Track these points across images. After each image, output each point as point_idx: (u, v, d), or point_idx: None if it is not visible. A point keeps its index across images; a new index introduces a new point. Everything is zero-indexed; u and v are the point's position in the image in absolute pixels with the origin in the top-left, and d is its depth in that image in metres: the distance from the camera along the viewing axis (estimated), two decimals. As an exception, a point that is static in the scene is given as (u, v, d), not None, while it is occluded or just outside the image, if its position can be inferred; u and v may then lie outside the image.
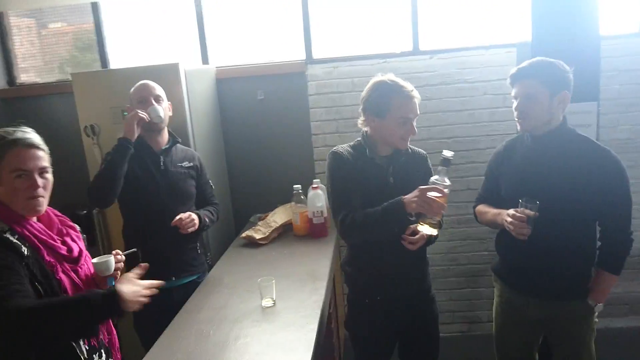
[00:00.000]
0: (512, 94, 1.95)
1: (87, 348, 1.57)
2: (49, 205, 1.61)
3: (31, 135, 1.54)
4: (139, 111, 2.21)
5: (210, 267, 2.60)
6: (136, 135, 2.23)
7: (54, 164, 1.60)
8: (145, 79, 2.37)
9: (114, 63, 3.55)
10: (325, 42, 3.40)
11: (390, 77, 1.94)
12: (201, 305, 2.16)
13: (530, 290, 2.01)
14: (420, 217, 1.86)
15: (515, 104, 1.93)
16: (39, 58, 3.70)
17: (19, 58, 3.66)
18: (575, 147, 1.90)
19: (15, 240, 1.46)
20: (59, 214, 1.69)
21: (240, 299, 2.18)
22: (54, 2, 3.48)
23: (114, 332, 1.74)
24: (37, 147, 1.53)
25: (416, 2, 3.25)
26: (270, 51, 3.47)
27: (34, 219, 1.57)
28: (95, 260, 1.66)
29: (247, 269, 2.52)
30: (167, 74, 2.69)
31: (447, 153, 1.82)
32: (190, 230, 2.28)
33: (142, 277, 1.67)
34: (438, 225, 1.86)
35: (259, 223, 3.01)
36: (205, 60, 3.45)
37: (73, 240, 1.66)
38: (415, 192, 1.79)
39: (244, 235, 2.91)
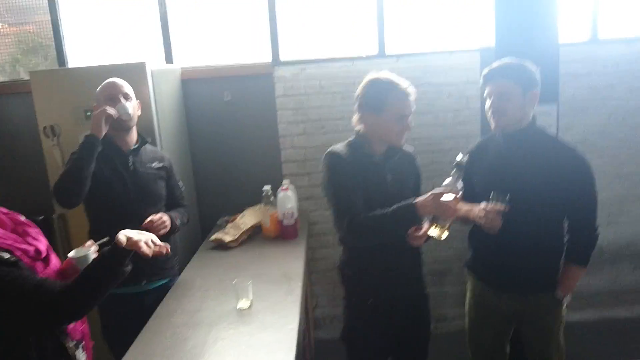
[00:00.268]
0: (485, 92, 2.01)
1: (74, 342, 1.59)
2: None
3: None
4: (107, 107, 2.14)
5: (180, 271, 2.54)
6: (104, 132, 2.13)
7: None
8: (111, 78, 2.30)
9: (72, 62, 3.43)
10: (293, 45, 3.40)
11: (385, 74, 1.93)
12: (174, 309, 2.10)
13: (502, 284, 2.07)
14: (432, 220, 1.86)
15: (488, 102, 2.00)
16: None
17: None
18: (544, 145, 1.98)
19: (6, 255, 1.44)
20: (5, 210, 1.61)
21: (215, 301, 2.14)
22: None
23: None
24: None
25: (382, 6, 3.30)
26: (237, 53, 3.44)
27: None
28: (73, 254, 1.61)
29: (218, 271, 2.47)
30: (133, 74, 2.61)
31: (460, 157, 1.85)
32: (162, 232, 2.22)
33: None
34: (448, 228, 1.87)
35: (228, 225, 2.97)
36: (169, 61, 3.38)
37: (35, 238, 1.59)
38: (429, 196, 1.78)
39: (212, 238, 2.86)
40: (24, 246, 1.52)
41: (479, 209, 1.93)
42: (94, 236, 2.29)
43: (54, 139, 2.72)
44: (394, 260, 1.99)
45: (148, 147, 2.39)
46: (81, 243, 2.34)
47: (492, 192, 1.90)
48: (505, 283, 2.06)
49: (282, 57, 3.38)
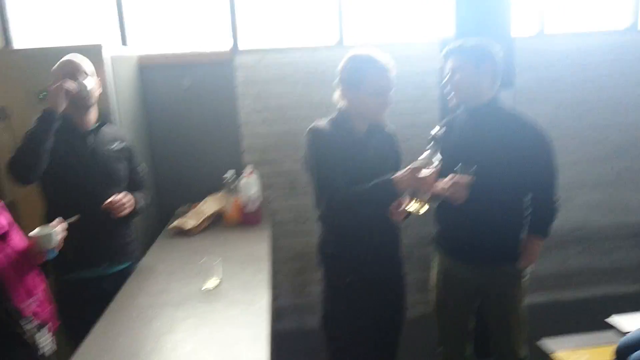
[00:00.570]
0: (446, 70, 2.10)
1: (36, 325, 1.51)
2: None
3: None
4: (66, 81, 2.05)
5: (141, 256, 2.46)
6: (62, 107, 2.02)
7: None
8: (69, 55, 2.21)
9: (18, 44, 3.26)
10: (253, 33, 3.38)
11: (365, 49, 1.93)
12: (138, 291, 2.04)
13: (467, 257, 2.14)
14: (410, 196, 1.86)
15: (446, 78, 2.09)
16: None
17: None
18: (505, 120, 2.07)
19: None
20: None
21: (181, 283, 2.09)
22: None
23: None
24: None
25: (342, -4, 3.34)
26: (196, 40, 3.39)
27: None
28: (35, 232, 1.52)
29: (182, 255, 2.42)
30: (88, 56, 2.51)
31: (436, 130, 1.85)
32: (124, 213, 2.16)
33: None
34: (427, 203, 1.88)
35: (189, 213, 2.91)
36: (124, 44, 3.28)
37: None
38: (406, 171, 1.78)
39: (173, 225, 2.79)
40: None
41: (445, 181, 1.99)
42: (51, 219, 2.21)
43: (4, 120, 2.58)
44: (373, 239, 1.99)
45: (108, 127, 2.32)
46: (35, 227, 2.26)
47: (458, 165, 1.95)
48: (470, 256, 2.12)
49: (243, 45, 3.36)
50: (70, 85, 2.04)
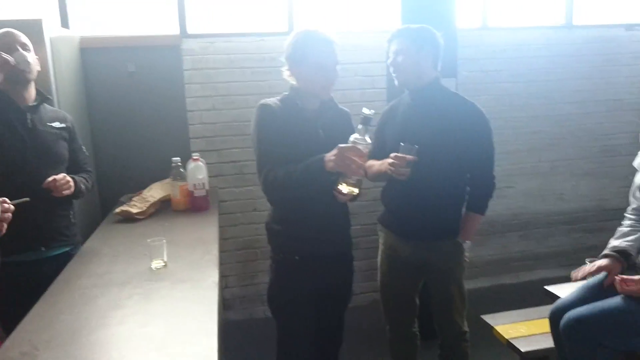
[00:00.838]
0: (390, 53, 2.16)
1: None
2: None
3: None
4: (2, 53, 1.95)
5: (83, 241, 2.38)
6: None
7: None
8: (5, 28, 2.11)
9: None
10: (202, 17, 3.34)
11: (312, 26, 1.93)
12: (81, 273, 1.97)
13: (410, 233, 2.20)
14: (340, 176, 1.79)
15: (390, 60, 2.15)
16: None
17: None
18: (446, 100, 2.16)
19: None
20: None
21: (126, 264, 2.03)
22: None
23: None
24: None
25: (292, -17, 3.36)
26: (142, 23, 3.31)
27: None
28: None
29: (127, 240, 2.35)
30: (26, 32, 2.40)
31: (367, 111, 1.79)
32: (65, 193, 2.07)
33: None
34: (358, 185, 1.82)
35: (135, 199, 2.83)
36: (64, 25, 3.16)
37: None
38: (334, 151, 1.74)
39: (118, 210, 2.70)
40: None
41: (388, 159, 2.03)
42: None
43: None
44: (321, 217, 1.98)
45: (48, 106, 2.22)
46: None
47: (401, 143, 2.01)
48: (413, 232, 2.19)
49: (191, 30, 3.31)
50: (7, 57, 1.95)
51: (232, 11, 3.41)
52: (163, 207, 2.87)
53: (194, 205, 2.81)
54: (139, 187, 3.04)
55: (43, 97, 2.19)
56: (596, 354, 1.65)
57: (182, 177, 2.83)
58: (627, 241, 1.85)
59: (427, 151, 2.00)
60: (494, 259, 3.98)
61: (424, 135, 2.07)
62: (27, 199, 1.67)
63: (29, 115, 2.10)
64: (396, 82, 2.17)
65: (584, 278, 1.97)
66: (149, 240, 2.00)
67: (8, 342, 1.45)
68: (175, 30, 3.29)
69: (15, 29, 2.22)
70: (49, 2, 3.14)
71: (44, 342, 1.44)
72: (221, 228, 3.44)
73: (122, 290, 1.78)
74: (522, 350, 2.19)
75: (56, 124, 2.19)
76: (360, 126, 1.78)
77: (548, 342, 2.12)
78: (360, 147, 1.73)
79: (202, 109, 3.36)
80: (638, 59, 3.96)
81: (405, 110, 2.20)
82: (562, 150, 3.96)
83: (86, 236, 2.49)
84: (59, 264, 2.10)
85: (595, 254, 2.15)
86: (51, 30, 2.60)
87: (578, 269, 1.94)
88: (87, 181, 2.30)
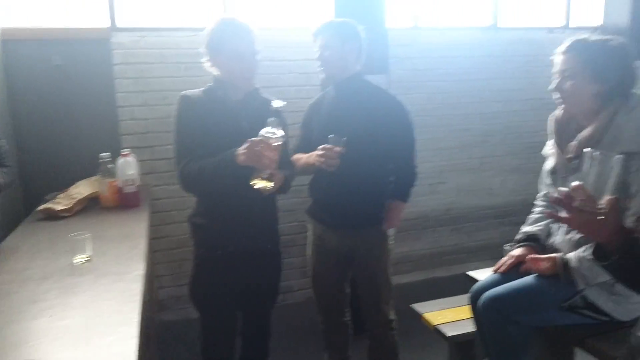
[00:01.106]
0: (317, 47, 2.21)
1: None
2: None
3: None
4: None
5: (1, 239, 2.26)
6: None
7: None
8: None
9: None
10: (133, 10, 3.26)
11: (231, 14, 1.94)
12: (-5, 270, 1.87)
13: (338, 222, 2.25)
14: (253, 171, 1.76)
15: (317, 54, 2.20)
16: None
17: None
18: (369, 93, 2.23)
19: None
20: None
21: (47, 260, 1.94)
22: None
23: None
24: None
25: (226, -21, 3.34)
26: (70, 15, 3.18)
27: None
28: None
29: (50, 237, 2.25)
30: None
31: (277, 103, 1.77)
32: (-21, 186, 1.97)
33: None
34: (271, 179, 1.78)
35: (60, 196, 2.72)
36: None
37: None
38: (245, 144, 1.72)
39: (41, 208, 2.59)
40: None
41: (317, 152, 2.06)
42: None
43: None
44: (245, 212, 1.95)
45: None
46: None
47: (330, 135, 2.04)
48: (341, 221, 2.24)
49: (121, 23, 3.22)
50: None
51: (164, 5, 3.34)
52: (91, 205, 2.77)
53: (124, 202, 2.73)
54: (66, 184, 2.91)
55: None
56: (509, 331, 1.73)
57: (111, 174, 2.74)
58: (538, 227, 1.96)
59: (352, 142, 2.04)
60: (427, 253, 4.10)
61: (349, 127, 2.12)
62: None
63: (-62, 105, 1.98)
64: (323, 76, 2.23)
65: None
66: (71, 234, 1.92)
67: None
68: (105, 23, 3.20)
69: None
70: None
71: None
72: (155, 227, 3.39)
73: (40, 286, 1.70)
74: (448, 335, 2.27)
75: (-30, 115, 2.08)
76: (271, 119, 1.75)
77: (473, 327, 2.21)
78: (271, 140, 1.71)
79: (134, 105, 3.27)
80: (559, 61, 4.20)
81: (330, 103, 2.26)
82: (491, 147, 4.14)
83: (6, 231, 2.37)
84: (-26, 262, 1.99)
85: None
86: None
87: (498, 263, 2.04)
88: (5, 176, 2.19)
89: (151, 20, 3.31)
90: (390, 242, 2.33)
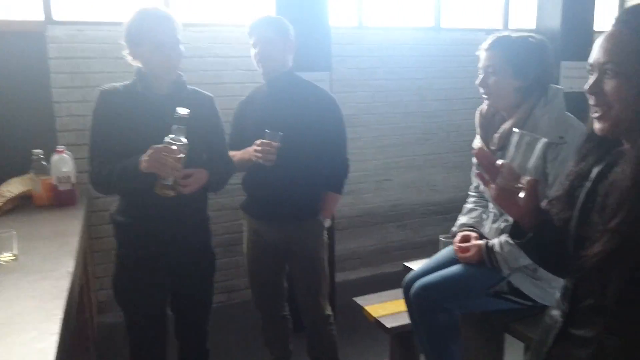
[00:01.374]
0: (252, 42, 2.21)
1: None
2: None
3: None
4: None
5: None
6: None
7: None
8: None
9: None
10: (69, 3, 3.16)
11: (149, 4, 1.86)
12: None
13: (273, 216, 2.26)
14: (158, 178, 1.71)
15: (254, 50, 2.20)
16: None
17: None
18: (301, 88, 2.26)
19: None
20: None
21: (-34, 261, 1.86)
22: None
23: None
24: None
25: (167, -26, 3.28)
26: (3, 8, 3.06)
27: None
28: None
29: (-26, 237, 2.16)
30: None
31: (182, 111, 1.70)
32: None
33: None
34: (174, 187, 1.74)
35: (-12, 196, 2.61)
36: None
37: None
38: (149, 151, 1.67)
39: (-32, 207, 2.48)
40: None
41: (253, 147, 2.07)
42: None
43: None
44: (169, 210, 1.86)
45: None
46: None
47: (266, 131, 2.06)
48: (277, 215, 2.25)
49: (57, 16, 3.12)
50: None
51: (103, -1, 3.27)
52: (23, 204, 2.67)
53: (59, 201, 2.65)
54: (-1, 182, 2.81)
55: None
56: (439, 318, 1.79)
57: (45, 171, 2.65)
58: (472, 217, 2.03)
59: (288, 136, 2.07)
60: (375, 249, 4.16)
61: (284, 121, 2.14)
62: None
63: None
64: (262, 71, 2.22)
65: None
66: (-7, 232, 1.85)
67: None
68: (39, 15, 3.09)
69: None
70: None
71: None
72: (95, 227, 3.29)
73: (-44, 286, 1.63)
74: (388, 326, 2.31)
75: None
76: (175, 126, 1.70)
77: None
78: (174, 147, 1.67)
79: (71, 101, 3.17)
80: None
81: (263, 98, 2.28)
82: (434, 144, 4.25)
83: None
84: None
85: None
86: None
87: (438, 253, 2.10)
88: None
89: (91, 14, 3.22)
90: (325, 234, 2.36)
